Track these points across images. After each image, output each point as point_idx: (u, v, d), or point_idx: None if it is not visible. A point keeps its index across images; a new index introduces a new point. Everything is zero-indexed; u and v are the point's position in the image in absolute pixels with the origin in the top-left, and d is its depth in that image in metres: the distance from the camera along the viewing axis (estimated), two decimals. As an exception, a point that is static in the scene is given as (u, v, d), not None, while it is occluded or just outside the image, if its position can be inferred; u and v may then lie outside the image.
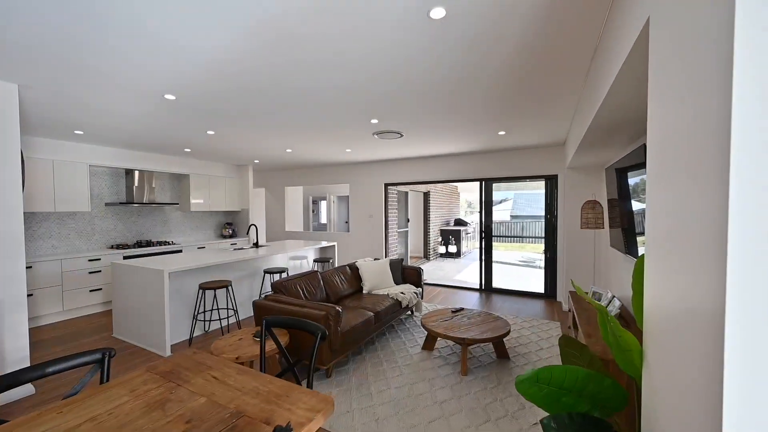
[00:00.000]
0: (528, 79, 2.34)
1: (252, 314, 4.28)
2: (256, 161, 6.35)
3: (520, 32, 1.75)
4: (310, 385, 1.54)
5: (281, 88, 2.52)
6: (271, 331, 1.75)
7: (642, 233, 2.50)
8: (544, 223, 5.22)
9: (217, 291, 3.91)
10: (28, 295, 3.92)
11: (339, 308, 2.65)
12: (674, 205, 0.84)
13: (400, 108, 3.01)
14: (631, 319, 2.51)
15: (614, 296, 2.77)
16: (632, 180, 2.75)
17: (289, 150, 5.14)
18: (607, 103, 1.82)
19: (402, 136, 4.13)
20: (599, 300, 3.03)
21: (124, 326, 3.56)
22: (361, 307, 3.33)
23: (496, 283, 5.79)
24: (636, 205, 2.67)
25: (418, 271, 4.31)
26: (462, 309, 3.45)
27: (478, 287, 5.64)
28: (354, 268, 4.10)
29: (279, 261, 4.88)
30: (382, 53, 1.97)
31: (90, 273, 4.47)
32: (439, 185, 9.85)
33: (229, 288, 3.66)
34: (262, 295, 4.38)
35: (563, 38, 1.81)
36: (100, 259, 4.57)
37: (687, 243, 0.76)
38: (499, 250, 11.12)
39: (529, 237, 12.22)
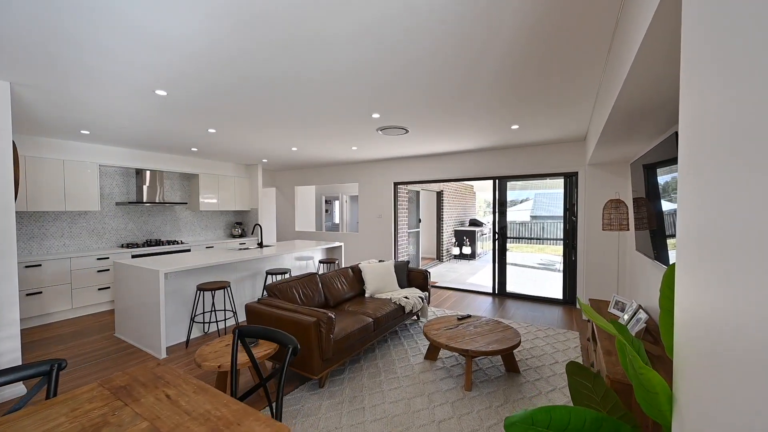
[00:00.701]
0: (541, 61, 2.08)
1: (254, 316, 4.19)
2: (264, 160, 6.30)
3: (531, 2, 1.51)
4: (278, 413, 1.36)
5: (265, 78, 2.37)
6: (244, 342, 1.59)
7: (674, 236, 2.19)
8: (563, 224, 4.86)
9: (217, 292, 3.84)
10: (37, 293, 3.99)
11: (331, 314, 2.48)
12: (726, 198, 0.61)
13: (401, 100, 2.81)
14: (660, 335, 2.20)
15: (640, 307, 2.46)
16: (662, 178, 2.42)
17: (294, 148, 5.03)
18: (630, 83, 1.55)
19: (407, 132, 3.91)
20: (623, 311, 2.71)
21: (125, 326, 3.54)
22: (361, 312, 3.14)
23: (511, 287, 5.47)
24: (666, 206, 2.35)
25: (424, 275, 4.08)
26: (469, 316, 3.20)
27: (490, 291, 5.34)
28: (357, 271, 3.93)
29: (284, 261, 4.78)
30: (369, 33, 1.78)
31: (98, 271, 4.52)
32: (454, 184, 9.54)
33: (228, 289, 3.57)
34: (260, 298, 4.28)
35: (581, 6, 1.55)
36: (108, 258, 4.62)
37: (742, 244, 0.52)
38: (518, 252, 10.68)
39: (550, 239, 11.68)
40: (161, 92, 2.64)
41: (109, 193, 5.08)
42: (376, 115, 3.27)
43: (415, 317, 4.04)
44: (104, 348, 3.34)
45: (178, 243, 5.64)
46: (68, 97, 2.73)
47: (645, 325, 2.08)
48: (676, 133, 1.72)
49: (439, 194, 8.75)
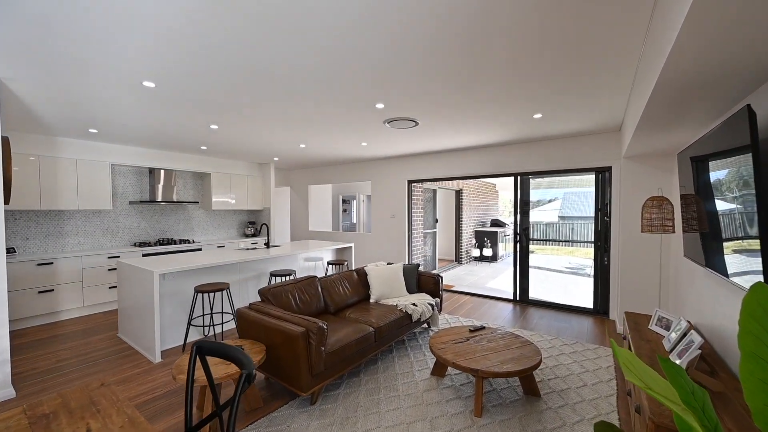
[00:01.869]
0: (566, 29, 1.73)
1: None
2: (275, 159, 6.19)
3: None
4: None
5: (248, 64, 2.16)
6: (204, 359, 1.37)
7: (732, 239, 1.76)
8: (593, 224, 4.37)
9: (218, 294, 3.70)
10: (49, 291, 4.03)
11: (323, 324, 2.23)
12: None
13: (404, 86, 2.51)
14: (718, 364, 1.78)
15: (691, 326, 2.03)
16: (715, 174, 1.96)
17: (302, 145, 4.85)
18: (683, 45, 1.17)
19: (417, 124, 3.60)
20: (668, 329, 2.27)
21: (126, 327, 3.47)
22: (362, 320, 2.88)
23: (535, 293, 5.02)
24: (721, 205, 1.91)
25: (435, 279, 3.75)
26: (483, 327, 2.86)
27: (511, 298, 4.91)
28: (362, 274, 3.67)
29: (291, 262, 4.61)
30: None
31: (109, 270, 4.54)
32: (474, 183, 9.08)
33: (227, 291, 3.43)
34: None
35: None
36: (119, 257, 4.63)
37: None
38: (544, 255, 10.05)
39: (579, 241, 10.91)
40: (149, 84, 2.49)
41: (123, 192, 5.12)
42: (379, 105, 2.99)
43: (425, 325, 3.72)
44: (104, 348, 3.28)
45: (190, 242, 5.63)
46: (59, 91, 2.65)
47: (699, 351, 1.67)
48: (749, 108, 1.32)
49: (458, 193, 8.33)
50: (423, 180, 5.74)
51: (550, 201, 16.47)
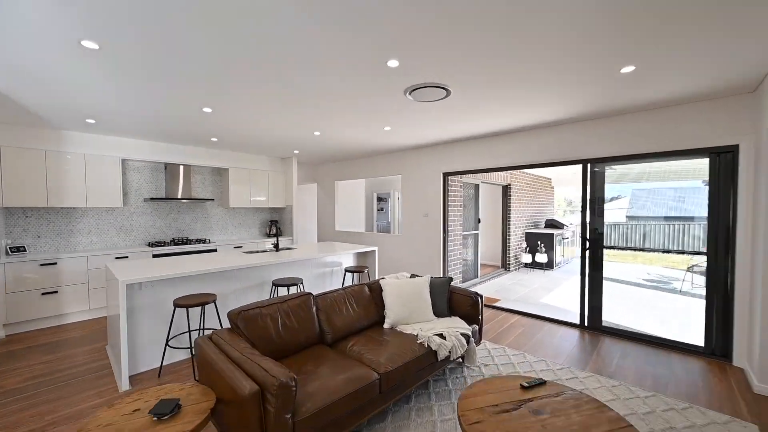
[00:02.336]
0: None
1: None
2: (296, 152, 5.63)
3: None
4: None
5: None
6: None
7: None
8: (706, 227, 3.12)
9: (201, 308, 3.14)
10: (53, 292, 3.81)
11: (288, 378, 1.46)
12: None
13: (424, 29, 1.66)
14: None
15: None
16: None
17: (317, 132, 4.19)
18: None
19: (449, 93, 2.72)
20: None
21: (110, 340, 3.05)
22: (366, 358, 2.08)
23: (610, 316, 3.83)
24: None
25: (474, 300, 2.82)
26: (543, 383, 1.91)
27: (578, 322, 3.78)
28: (376, 289, 2.87)
29: (301, 269, 3.96)
30: None
31: (117, 271, 4.26)
32: (525, 177, 7.83)
33: (214, 305, 2.85)
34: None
35: None
36: (127, 257, 4.35)
37: None
38: (612, 263, 8.43)
39: (671, 251, 9.03)
40: (90, 44, 1.94)
41: (137, 188, 4.88)
42: (392, 63, 2.17)
43: (459, 359, 2.82)
44: (84, 365, 2.88)
45: (206, 242, 5.28)
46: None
47: None
48: None
49: (506, 188, 7.17)
50: (461, 172, 4.79)
51: (612, 199, 14.28)
